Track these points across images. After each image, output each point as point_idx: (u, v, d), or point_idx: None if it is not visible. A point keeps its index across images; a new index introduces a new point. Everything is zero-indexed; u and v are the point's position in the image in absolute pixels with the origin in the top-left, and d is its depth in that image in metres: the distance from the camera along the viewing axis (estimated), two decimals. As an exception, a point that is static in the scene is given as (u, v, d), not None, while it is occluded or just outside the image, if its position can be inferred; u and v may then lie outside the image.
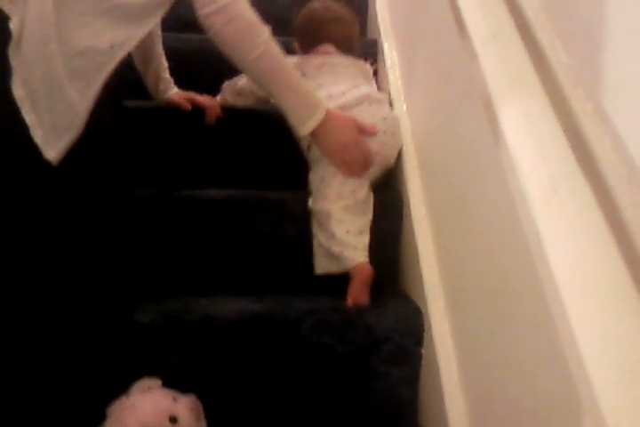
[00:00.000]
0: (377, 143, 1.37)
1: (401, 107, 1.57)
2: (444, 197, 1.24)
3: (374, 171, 1.39)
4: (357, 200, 1.32)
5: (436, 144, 1.30)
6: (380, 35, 1.90)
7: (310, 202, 1.35)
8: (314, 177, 1.37)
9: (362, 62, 1.57)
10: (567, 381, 0.60)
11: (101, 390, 1.09)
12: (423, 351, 1.20)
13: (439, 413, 1.08)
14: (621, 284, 0.58)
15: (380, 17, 1.97)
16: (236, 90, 1.57)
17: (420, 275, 1.24)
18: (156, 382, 1.10)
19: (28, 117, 1.04)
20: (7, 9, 1.05)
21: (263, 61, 1.21)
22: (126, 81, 1.23)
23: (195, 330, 1.18)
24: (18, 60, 1.04)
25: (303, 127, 1.27)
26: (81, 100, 1.07)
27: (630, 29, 0.66)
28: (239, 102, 1.57)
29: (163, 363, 1.17)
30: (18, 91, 1.04)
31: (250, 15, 1.20)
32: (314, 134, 1.29)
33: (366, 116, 1.38)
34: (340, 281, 1.27)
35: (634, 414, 0.49)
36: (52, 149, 1.05)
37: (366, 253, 1.29)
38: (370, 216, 1.34)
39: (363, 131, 1.35)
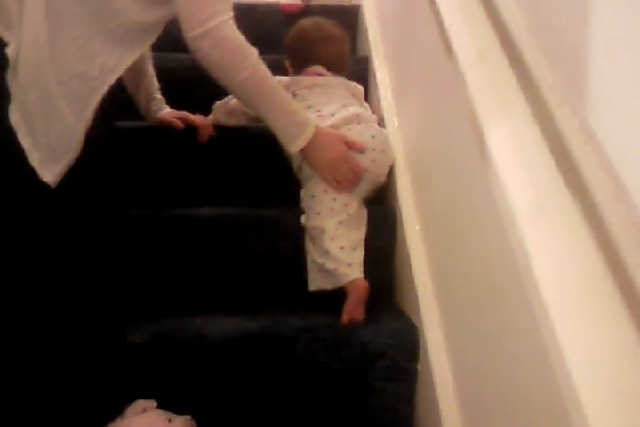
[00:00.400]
0: (367, 161, 1.38)
1: (392, 122, 1.58)
2: (436, 212, 1.24)
3: (365, 187, 1.40)
4: (350, 214, 1.33)
5: (428, 160, 1.31)
6: (370, 51, 1.91)
7: (303, 219, 1.35)
8: (305, 195, 1.38)
9: (353, 83, 1.58)
10: (559, 397, 0.60)
11: (96, 412, 1.09)
12: (418, 367, 1.20)
13: (436, 428, 1.08)
14: (609, 301, 0.58)
15: (370, 34, 1.98)
16: (227, 109, 1.57)
17: (415, 290, 1.24)
18: (150, 404, 1.10)
19: (25, 142, 1.04)
20: (5, 36, 1.05)
21: (251, 83, 1.22)
22: (118, 102, 1.24)
23: (189, 349, 1.17)
24: (15, 85, 1.05)
25: (293, 145, 1.29)
26: (76, 122, 1.08)
27: (615, 47, 0.67)
28: (230, 122, 1.58)
29: (158, 383, 1.17)
30: (14, 115, 1.04)
31: (237, 37, 1.20)
32: (304, 152, 1.30)
33: (355, 134, 1.39)
34: (335, 298, 1.27)
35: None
36: (49, 171, 1.06)
37: (361, 269, 1.29)
38: (364, 231, 1.35)
39: (352, 147, 1.36)
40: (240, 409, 1.19)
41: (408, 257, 1.30)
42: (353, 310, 1.25)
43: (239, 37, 1.20)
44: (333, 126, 1.38)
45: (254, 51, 1.22)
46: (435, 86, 1.25)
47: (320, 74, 1.55)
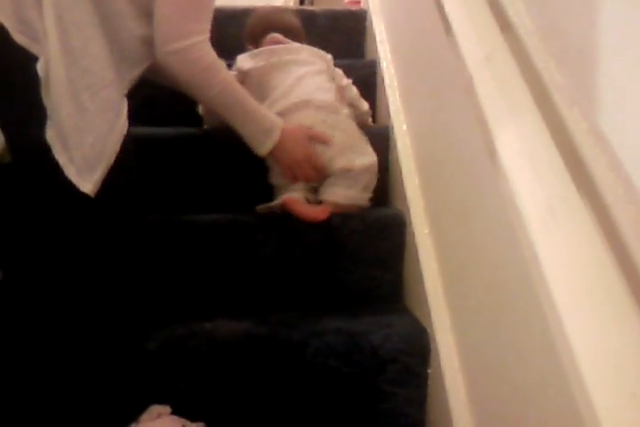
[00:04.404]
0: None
1: (401, 126, 1.58)
2: (445, 216, 1.24)
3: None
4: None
5: (437, 163, 1.31)
6: (378, 55, 1.91)
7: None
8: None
9: (320, 51, 1.63)
10: (573, 401, 0.60)
11: (110, 417, 1.09)
12: (429, 371, 1.19)
13: (447, 433, 1.08)
14: (620, 303, 0.58)
15: (378, 38, 1.98)
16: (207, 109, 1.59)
17: (425, 294, 1.24)
18: (165, 409, 1.10)
19: (60, 158, 1.03)
20: (35, 49, 1.04)
21: (220, 98, 1.27)
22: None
23: (199, 355, 1.18)
24: (48, 101, 1.03)
25: (261, 149, 1.35)
26: (110, 131, 1.08)
27: (624, 48, 0.67)
28: (211, 121, 1.61)
29: (169, 389, 1.17)
30: (49, 132, 1.03)
31: (208, 57, 1.21)
32: (272, 153, 1.36)
33: (303, 118, 1.42)
34: (347, 302, 1.27)
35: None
36: (88, 182, 1.05)
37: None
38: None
39: (317, 139, 1.40)
40: (251, 414, 1.18)
41: (418, 261, 1.30)
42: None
43: (211, 56, 1.21)
44: (284, 113, 1.41)
45: (222, 64, 1.25)
46: (443, 89, 1.25)
47: (279, 41, 1.61)
